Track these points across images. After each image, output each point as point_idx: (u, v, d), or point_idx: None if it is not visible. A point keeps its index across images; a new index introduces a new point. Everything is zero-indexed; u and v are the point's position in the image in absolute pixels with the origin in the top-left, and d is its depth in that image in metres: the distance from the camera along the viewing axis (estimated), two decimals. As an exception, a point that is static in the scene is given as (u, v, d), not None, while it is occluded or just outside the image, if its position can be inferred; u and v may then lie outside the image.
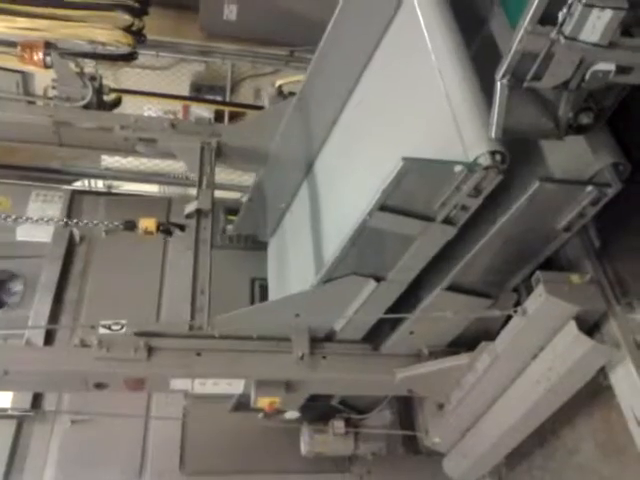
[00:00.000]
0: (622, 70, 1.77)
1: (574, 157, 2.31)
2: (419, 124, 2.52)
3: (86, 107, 3.48)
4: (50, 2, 3.58)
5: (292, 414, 3.28)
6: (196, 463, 3.64)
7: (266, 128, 3.46)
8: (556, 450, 3.05)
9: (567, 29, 1.64)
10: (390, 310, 2.76)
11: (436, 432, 3.31)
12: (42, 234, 4.20)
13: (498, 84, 1.89)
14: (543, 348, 2.65)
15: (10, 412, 3.66)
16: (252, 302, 3.95)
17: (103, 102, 3.59)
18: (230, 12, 4.55)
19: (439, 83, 2.31)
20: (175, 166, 4.96)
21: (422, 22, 2.49)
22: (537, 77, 1.82)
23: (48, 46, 3.50)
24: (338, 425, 3.49)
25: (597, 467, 2.78)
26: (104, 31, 3.68)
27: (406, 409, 3.74)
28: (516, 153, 2.10)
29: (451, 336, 2.94)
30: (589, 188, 2.25)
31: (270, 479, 3.76)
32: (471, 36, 2.50)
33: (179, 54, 4.78)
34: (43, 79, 4.24)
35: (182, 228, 3.16)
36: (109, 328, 2.69)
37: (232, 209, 4.17)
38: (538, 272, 2.56)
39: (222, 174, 4.41)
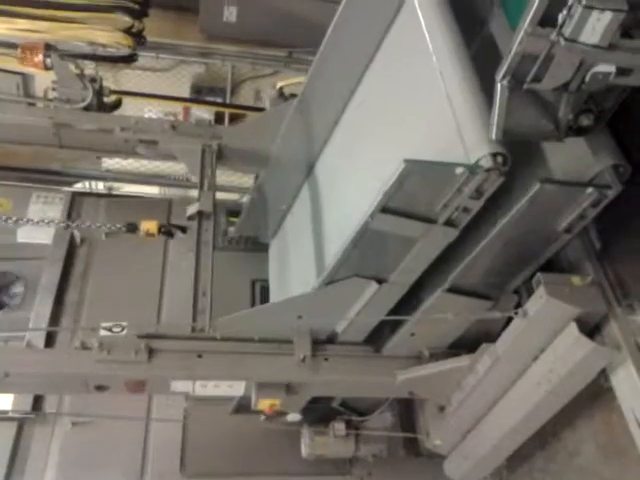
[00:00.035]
0: (622, 72, 1.77)
1: (574, 159, 2.31)
2: (420, 126, 2.52)
3: (86, 109, 3.49)
4: (50, 4, 3.58)
5: (294, 416, 3.28)
6: (197, 465, 3.64)
7: (267, 130, 3.46)
8: (557, 452, 3.05)
9: (567, 31, 1.64)
10: (391, 312, 2.75)
11: (437, 434, 3.31)
12: (43, 236, 4.19)
13: (498, 86, 1.89)
14: (544, 350, 2.64)
15: (11, 414, 3.66)
16: (253, 304, 3.95)
17: (103, 104, 3.59)
18: (230, 14, 4.55)
19: (440, 84, 2.31)
20: (175, 168, 4.96)
21: (423, 24, 2.49)
22: (537, 79, 1.82)
23: (48, 48, 3.50)
24: (339, 427, 3.49)
25: (598, 469, 2.77)
26: (104, 33, 3.68)
27: (407, 411, 3.73)
28: (516, 155, 2.10)
29: (452, 338, 2.94)
30: (589, 190, 2.25)
31: (271, 481, 3.77)
32: (471, 36, 2.51)
33: (179, 56, 4.78)
34: (43, 81, 4.25)
35: (184, 230, 3.17)
36: (110, 330, 2.69)
37: (233, 211, 4.17)
38: (539, 274, 2.56)
39: (222, 176, 4.41)
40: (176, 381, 2.84)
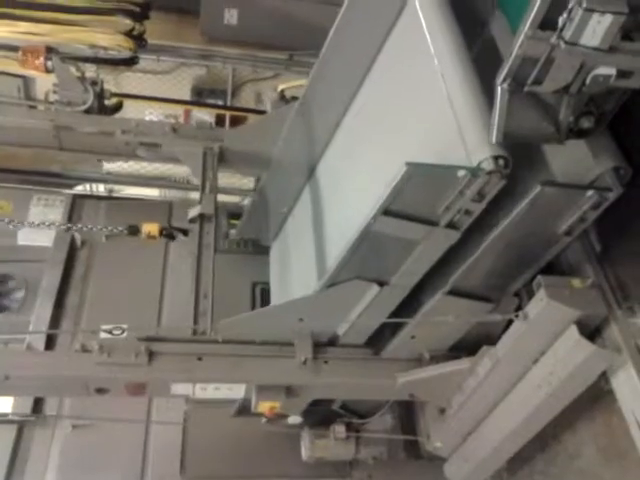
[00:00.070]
0: (623, 74, 1.77)
1: (575, 161, 2.31)
2: (422, 128, 2.52)
3: (87, 111, 3.49)
4: (51, 7, 3.59)
5: (295, 419, 3.28)
6: (197, 468, 3.63)
7: (268, 133, 3.46)
8: (557, 454, 3.04)
9: (567, 34, 1.64)
10: (391, 314, 2.75)
11: (437, 436, 3.31)
12: (43, 238, 4.19)
13: (499, 89, 1.89)
14: (544, 352, 2.64)
15: (11, 417, 3.66)
16: (253, 306, 3.94)
17: (104, 106, 3.60)
18: (231, 16, 4.56)
19: (442, 87, 2.31)
20: (176, 170, 4.97)
21: (425, 26, 2.49)
22: (538, 81, 1.83)
23: (49, 51, 3.51)
24: (339, 430, 3.49)
25: (598, 471, 2.77)
26: (105, 35, 3.69)
27: (407, 413, 3.73)
28: (517, 157, 2.10)
29: (452, 340, 2.93)
30: (590, 192, 2.25)
31: (271, 484, 3.76)
32: (472, 38, 2.51)
33: (180, 58, 4.79)
34: (44, 84, 4.25)
35: (185, 233, 3.17)
36: (110, 333, 2.69)
37: (235, 213, 4.18)
38: (539, 276, 2.56)
39: (223, 178, 4.41)
40: (176, 384, 2.84)
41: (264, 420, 3.14)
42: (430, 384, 2.96)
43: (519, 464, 3.26)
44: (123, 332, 2.70)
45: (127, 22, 3.70)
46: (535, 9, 1.66)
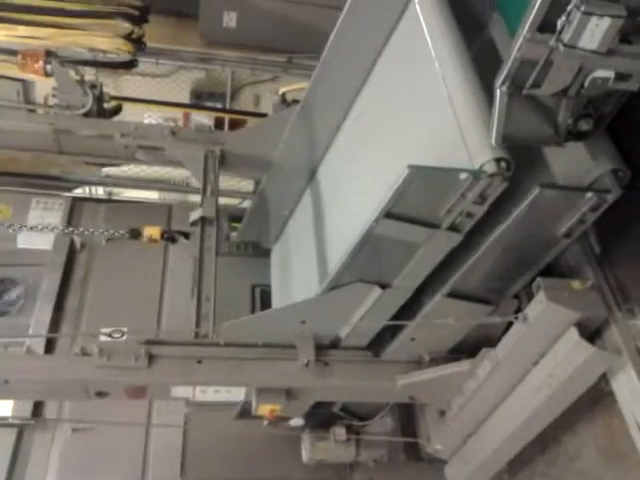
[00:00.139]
0: (621, 77, 1.77)
1: (574, 163, 2.32)
2: (423, 131, 2.52)
3: (86, 115, 3.49)
4: (51, 11, 3.59)
5: (297, 421, 3.28)
6: (197, 471, 3.63)
7: (269, 136, 3.47)
8: (558, 456, 3.04)
9: (566, 37, 1.65)
10: (393, 317, 2.75)
11: (438, 439, 3.31)
12: (43, 242, 4.20)
13: (498, 91, 1.90)
14: (544, 354, 2.64)
15: (11, 420, 3.66)
16: (253, 309, 3.95)
17: (103, 110, 3.60)
18: (230, 19, 4.56)
19: (443, 90, 2.31)
20: (175, 173, 4.97)
21: (425, 29, 2.50)
22: (536, 84, 1.83)
23: (49, 54, 3.51)
24: (339, 432, 3.49)
25: (599, 473, 2.77)
26: (104, 39, 3.69)
27: (407, 416, 3.72)
28: (516, 159, 2.10)
29: (452, 342, 2.93)
30: (589, 194, 2.25)
31: (271, 486, 3.76)
32: (471, 39, 2.51)
33: (179, 61, 4.79)
34: (44, 87, 4.25)
35: (187, 236, 3.17)
36: (110, 336, 2.69)
37: (235, 216, 4.18)
38: (539, 278, 2.56)
39: (222, 180, 4.41)
40: (176, 387, 2.84)
41: (266, 422, 3.14)
42: (430, 386, 2.96)
43: (519, 466, 3.26)
44: (123, 335, 2.70)
45: (126, 25, 3.70)
46: (534, 12, 1.66)
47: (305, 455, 3.51)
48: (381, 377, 2.96)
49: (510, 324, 2.69)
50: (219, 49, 4.76)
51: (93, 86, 3.52)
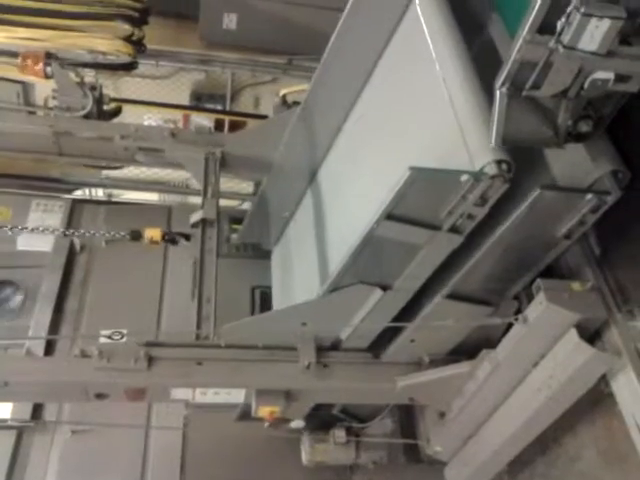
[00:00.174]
0: (621, 78, 1.78)
1: (574, 165, 2.32)
2: (424, 133, 2.53)
3: (86, 117, 3.49)
4: (50, 12, 3.59)
5: (297, 423, 3.28)
6: (196, 473, 3.63)
7: (270, 137, 3.47)
8: (558, 457, 3.04)
9: (565, 38, 1.65)
10: (392, 318, 2.75)
11: (437, 440, 3.31)
12: (42, 244, 4.19)
13: (497, 93, 1.90)
14: (544, 356, 2.64)
15: (10, 422, 3.65)
16: (252, 310, 3.95)
17: (103, 112, 3.60)
18: (230, 21, 4.56)
19: (443, 91, 2.32)
20: (175, 175, 4.97)
21: (426, 31, 2.50)
22: (536, 86, 1.83)
23: (49, 56, 3.51)
24: (339, 434, 3.49)
25: (599, 474, 2.77)
26: (104, 41, 3.69)
27: (407, 417, 3.73)
28: (516, 161, 2.10)
29: (452, 344, 2.93)
30: (589, 196, 2.26)
31: (271, 489, 3.76)
32: (471, 39, 2.51)
33: (179, 63, 4.79)
34: (43, 89, 4.26)
35: (187, 237, 3.18)
36: (110, 338, 2.69)
37: (236, 218, 4.18)
38: (539, 280, 2.56)
39: (221, 182, 4.42)
40: (176, 389, 2.84)
41: (267, 424, 3.13)
42: (430, 388, 2.96)
43: (520, 467, 3.26)
44: (122, 337, 2.70)
45: (126, 27, 3.70)
46: (534, 13, 1.67)
47: (305, 457, 3.51)
48: (381, 379, 2.96)
49: (510, 325, 2.69)
50: (219, 51, 4.75)
51: (93, 88, 3.53)
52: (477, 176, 2.08)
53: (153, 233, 3.10)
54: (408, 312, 2.76)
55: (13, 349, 3.80)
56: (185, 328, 2.96)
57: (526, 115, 1.98)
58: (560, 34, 1.65)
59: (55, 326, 3.94)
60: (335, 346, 2.94)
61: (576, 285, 2.58)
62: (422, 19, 2.55)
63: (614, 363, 2.52)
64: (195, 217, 3.11)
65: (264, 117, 4.76)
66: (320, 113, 3.22)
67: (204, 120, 4.81)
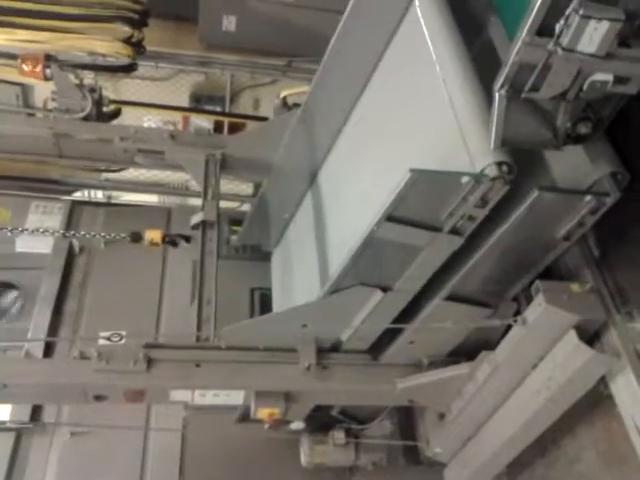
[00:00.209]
0: (620, 80, 1.78)
1: (573, 167, 2.32)
2: (424, 134, 2.53)
3: (86, 119, 3.49)
4: (50, 14, 3.59)
5: (298, 424, 3.28)
6: (195, 475, 3.62)
7: (270, 139, 3.47)
8: (557, 459, 3.04)
9: (564, 40, 1.65)
10: (394, 320, 2.75)
11: (437, 442, 3.31)
12: (41, 245, 4.19)
13: (496, 95, 1.90)
14: (543, 357, 2.64)
15: (9, 424, 3.65)
16: (252, 312, 3.95)
17: (102, 113, 3.60)
18: (229, 23, 4.57)
19: (444, 93, 2.32)
20: (174, 176, 4.97)
21: (426, 33, 2.51)
22: (535, 88, 1.83)
23: (48, 58, 3.51)
24: (338, 435, 3.49)
25: (598, 476, 2.77)
26: (104, 43, 3.69)
27: (407, 419, 3.73)
28: (517, 162, 2.10)
29: (451, 346, 2.93)
30: (588, 197, 2.26)
31: (270, 490, 3.75)
32: (471, 41, 2.52)
33: (178, 65, 4.79)
34: (43, 91, 4.26)
35: (188, 239, 3.18)
36: (109, 339, 2.69)
37: (236, 220, 4.18)
38: (538, 281, 2.56)
39: (221, 183, 4.42)
40: (175, 390, 2.83)
41: (266, 426, 3.13)
42: (429, 389, 2.96)
43: (519, 469, 3.25)
44: (122, 339, 2.70)
45: (125, 29, 3.70)
46: (532, 15, 1.67)
47: (304, 459, 3.50)
48: (380, 380, 2.96)
49: (509, 327, 2.69)
50: (218, 52, 4.76)
51: (92, 90, 3.53)
52: (478, 178, 2.08)
53: (153, 235, 3.10)
54: (407, 314, 2.76)
55: (12, 351, 3.79)
56: (184, 330, 2.96)
57: (525, 117, 1.98)
58: (559, 36, 1.66)
59: (54, 328, 3.94)
60: (335, 348, 2.94)
61: (575, 287, 2.58)
62: (422, 21, 2.56)
63: (613, 365, 2.53)
64: (195, 219, 3.11)
65: (263, 119, 4.77)
66: (320, 115, 3.22)
67: (203, 122, 4.82)
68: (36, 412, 3.70)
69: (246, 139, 3.70)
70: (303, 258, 3.43)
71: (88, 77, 3.84)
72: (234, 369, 2.82)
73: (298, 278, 3.53)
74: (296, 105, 3.76)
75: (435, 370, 2.94)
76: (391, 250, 2.40)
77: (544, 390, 2.66)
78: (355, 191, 3.02)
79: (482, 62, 2.41)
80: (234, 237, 4.08)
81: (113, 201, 5.09)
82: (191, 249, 3.22)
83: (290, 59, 4.71)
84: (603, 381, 2.60)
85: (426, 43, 2.49)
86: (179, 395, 2.86)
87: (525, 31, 1.70)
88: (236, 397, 2.92)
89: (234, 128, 4.87)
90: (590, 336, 2.58)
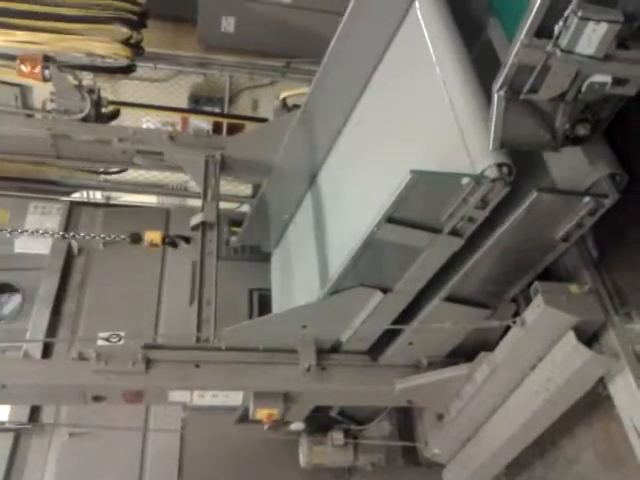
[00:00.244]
0: (618, 82, 1.79)
1: (571, 168, 2.33)
2: (424, 136, 2.53)
3: (84, 120, 3.48)
4: (49, 16, 3.58)
5: (297, 425, 3.28)
6: (194, 475, 3.62)
7: (270, 140, 3.47)
8: (556, 460, 3.04)
9: (563, 42, 1.66)
10: (394, 321, 2.75)
11: (436, 443, 3.31)
12: (40, 246, 4.19)
13: (495, 96, 1.90)
14: (542, 359, 2.64)
15: (7, 425, 3.65)
16: (251, 313, 3.95)
17: (101, 114, 3.59)
18: (228, 24, 4.57)
19: (444, 94, 2.32)
20: (173, 177, 4.97)
21: (426, 35, 2.51)
22: (534, 89, 1.84)
23: (47, 59, 3.50)
24: (337, 436, 3.49)
25: (597, 477, 2.77)
26: (102, 44, 3.68)
27: (405, 420, 3.73)
28: (516, 164, 2.11)
29: (450, 346, 2.94)
30: (586, 199, 2.26)
31: (269, 491, 3.75)
32: (471, 42, 2.52)
33: (177, 66, 4.78)
34: (41, 92, 4.25)
35: (187, 240, 3.18)
36: (107, 340, 2.69)
37: (235, 220, 4.18)
38: (536, 282, 2.57)
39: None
40: (174, 391, 2.83)
41: (266, 427, 3.13)
42: (428, 390, 2.96)
43: (518, 470, 3.26)
44: (120, 339, 2.70)
45: (124, 30, 3.69)
46: (531, 17, 1.67)
47: (302, 459, 3.50)
48: (379, 381, 2.96)
49: (508, 328, 2.70)
50: (217, 54, 4.75)
51: (91, 91, 3.52)
52: (478, 179, 2.08)
53: (153, 236, 3.10)
54: (406, 315, 2.76)
55: (11, 352, 3.79)
56: (183, 330, 2.96)
57: (524, 118, 1.98)
58: (557, 38, 1.66)
59: (53, 329, 3.94)
60: (335, 349, 2.94)
61: (574, 288, 2.58)
62: (422, 23, 2.56)
63: (612, 366, 2.53)
64: (195, 220, 3.11)
65: (262, 120, 4.77)
66: (320, 116, 3.22)
67: (202, 123, 4.81)
68: (35, 413, 3.70)
69: (245, 140, 3.70)
70: (303, 259, 3.44)
71: (87, 78, 3.83)
72: (234, 370, 2.82)
73: (298, 279, 3.53)
74: (296, 106, 3.77)
75: (434, 371, 2.94)
76: (391, 251, 2.40)
77: (543, 391, 2.66)
78: (355, 192, 3.02)
79: (482, 63, 2.41)
80: (234, 238, 4.08)
81: (112, 202, 5.08)
82: (189, 250, 3.22)
83: (289, 60, 4.71)
84: (602, 382, 2.60)
85: (426, 45, 2.50)
86: (178, 396, 2.85)
87: (524, 33, 1.70)
88: (235, 398, 2.92)
89: (233, 129, 4.87)
90: (589, 337, 2.58)
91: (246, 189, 5.04)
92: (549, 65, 1.74)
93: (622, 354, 2.51)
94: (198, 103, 4.93)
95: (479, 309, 2.71)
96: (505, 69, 1.81)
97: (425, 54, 2.48)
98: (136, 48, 3.78)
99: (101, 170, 3.90)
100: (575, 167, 2.32)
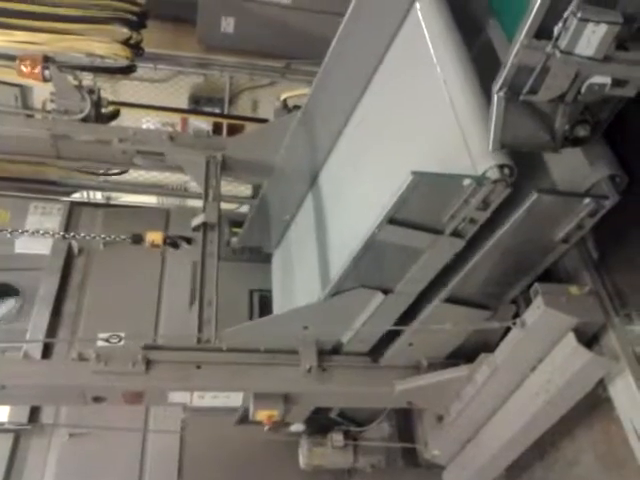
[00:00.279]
0: (618, 83, 1.78)
1: (571, 169, 2.32)
2: (426, 137, 2.53)
3: (84, 120, 3.48)
4: (49, 16, 3.58)
5: (297, 426, 3.28)
6: (194, 477, 3.62)
7: (270, 141, 3.47)
8: (556, 462, 3.04)
9: (562, 43, 1.66)
10: (395, 322, 2.75)
11: (435, 444, 3.30)
12: (40, 246, 4.19)
13: (495, 97, 1.90)
14: (542, 360, 2.64)
15: (7, 426, 3.64)
16: (251, 314, 3.95)
17: (101, 115, 3.59)
18: (227, 25, 4.57)
19: (445, 95, 2.32)
20: (173, 178, 4.97)
21: (427, 35, 2.51)
22: (533, 90, 1.84)
23: (47, 59, 3.50)
24: (337, 438, 3.48)
25: (597, 479, 2.76)
26: (102, 44, 3.68)
27: (405, 421, 3.72)
28: (517, 165, 2.10)
29: (450, 348, 2.93)
30: (586, 200, 2.26)
31: (268, 492, 3.75)
32: (471, 41, 2.52)
33: (177, 66, 4.79)
34: (41, 92, 4.24)
35: (189, 241, 3.18)
36: (107, 341, 2.69)
37: (235, 221, 4.18)
38: (536, 284, 2.56)
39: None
40: (174, 392, 2.83)
41: (266, 428, 3.13)
42: (428, 392, 2.96)
43: (517, 472, 3.25)
44: (120, 340, 2.70)
45: (124, 31, 3.69)
46: (531, 18, 1.67)
47: (302, 461, 3.50)
48: (379, 382, 2.95)
49: (508, 329, 2.69)
50: (217, 54, 4.75)
51: (91, 91, 3.52)
52: (479, 180, 2.08)
53: (155, 237, 3.10)
54: (406, 316, 2.76)
55: (11, 352, 3.78)
56: (183, 331, 2.96)
57: (523, 119, 1.98)
58: (557, 39, 1.66)
59: (53, 329, 3.94)
60: (336, 350, 2.94)
61: (574, 289, 2.58)
62: (423, 23, 2.56)
63: (612, 367, 2.52)
64: (196, 221, 3.11)
65: (262, 120, 4.77)
66: (321, 117, 3.22)
67: (202, 123, 4.82)
68: (34, 413, 3.70)
69: (246, 141, 3.70)
70: (304, 260, 3.43)
71: (87, 78, 3.83)
72: (234, 371, 2.82)
73: (299, 280, 3.53)
74: (296, 107, 3.77)
75: (434, 372, 2.94)
76: (392, 252, 2.40)
77: (543, 393, 2.66)
78: (356, 193, 3.02)
79: (482, 63, 2.41)
80: (234, 239, 4.08)
81: (112, 202, 5.09)
82: (189, 250, 3.22)
83: (288, 61, 4.71)
84: (602, 384, 2.60)
85: (427, 45, 2.50)
86: (178, 397, 2.85)
87: (523, 34, 1.70)
88: (235, 399, 2.92)
89: (233, 130, 4.88)
90: (589, 339, 2.58)
91: (246, 190, 5.04)
92: (549, 66, 1.74)
93: (622, 356, 2.51)
94: (198, 104, 4.94)
95: (479, 310, 2.71)
96: (505, 70, 1.81)
97: (426, 54, 2.48)
98: (136, 48, 3.78)
99: (101, 172, 3.89)
100: (575, 168, 2.31)
